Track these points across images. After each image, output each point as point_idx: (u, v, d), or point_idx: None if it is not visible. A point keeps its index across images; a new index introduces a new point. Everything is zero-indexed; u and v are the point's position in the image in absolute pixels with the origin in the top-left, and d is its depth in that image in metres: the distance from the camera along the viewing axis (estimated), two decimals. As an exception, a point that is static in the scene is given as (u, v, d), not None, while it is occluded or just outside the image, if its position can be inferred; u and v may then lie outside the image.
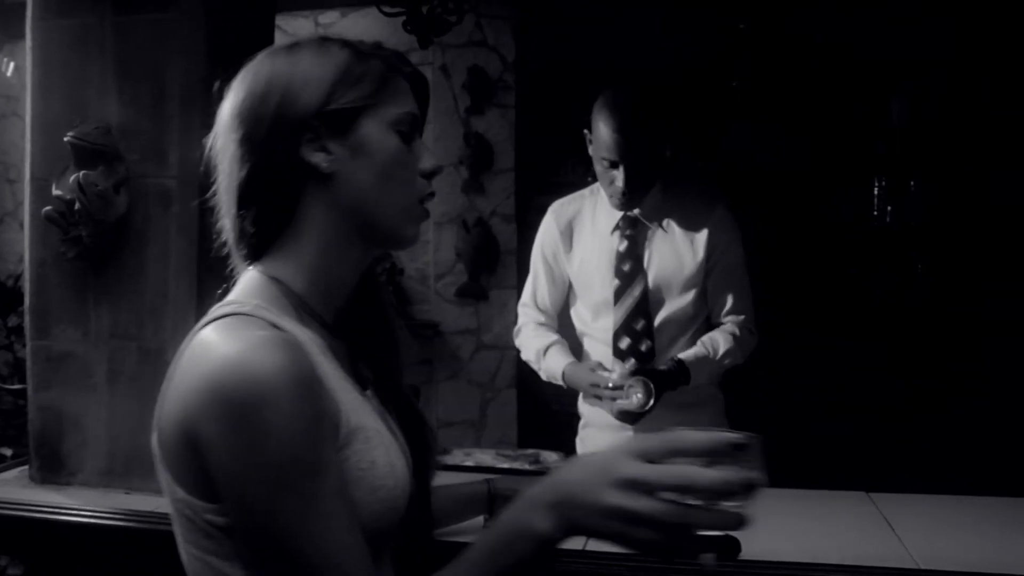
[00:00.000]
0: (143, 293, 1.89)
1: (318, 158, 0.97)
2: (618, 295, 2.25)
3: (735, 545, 1.48)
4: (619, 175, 2.14)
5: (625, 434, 2.21)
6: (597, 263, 2.30)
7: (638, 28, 4.01)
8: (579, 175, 4.03)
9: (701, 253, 2.24)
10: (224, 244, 1.05)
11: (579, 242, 2.35)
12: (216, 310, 0.95)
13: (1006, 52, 3.58)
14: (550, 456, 2.16)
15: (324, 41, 1.01)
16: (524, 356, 2.44)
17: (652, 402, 2.08)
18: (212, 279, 1.99)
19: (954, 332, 3.66)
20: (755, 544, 1.47)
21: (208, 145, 1.03)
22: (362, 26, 4.37)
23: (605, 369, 2.23)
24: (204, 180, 1.94)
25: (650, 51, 4.01)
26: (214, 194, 1.04)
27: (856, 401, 3.50)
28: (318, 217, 0.99)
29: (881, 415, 3.51)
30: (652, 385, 2.09)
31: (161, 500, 1.78)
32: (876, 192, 3.89)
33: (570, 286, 2.39)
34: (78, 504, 1.75)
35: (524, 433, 4.13)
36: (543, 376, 2.38)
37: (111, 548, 1.68)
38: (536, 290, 2.42)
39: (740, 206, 4.02)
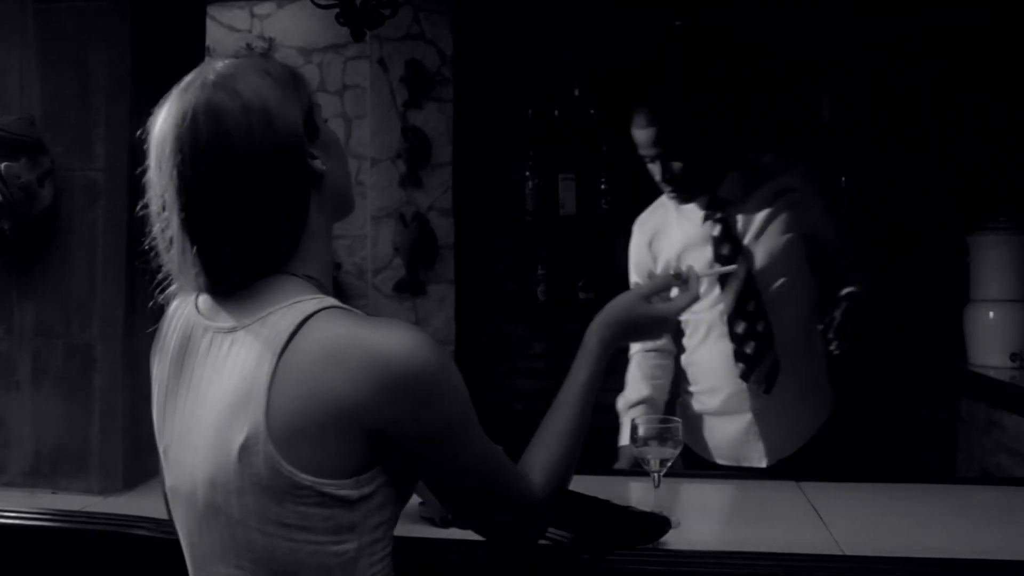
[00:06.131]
0: (69, 289, 1.84)
1: (316, 163, 1.07)
2: (723, 278, 2.21)
3: (665, 523, 1.52)
4: (656, 169, 2.21)
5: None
6: (696, 256, 2.25)
7: (576, 23, 4.03)
8: (516, 169, 4.05)
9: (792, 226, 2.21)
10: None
11: (669, 245, 2.33)
12: (301, 304, 1.00)
13: (934, 48, 3.69)
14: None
15: (261, 59, 1.12)
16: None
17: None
18: (141, 275, 1.95)
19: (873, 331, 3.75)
20: (688, 533, 1.51)
21: (166, 183, 1.03)
22: (298, 18, 4.32)
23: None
24: (133, 173, 1.90)
25: (587, 46, 4.03)
26: (163, 229, 1.05)
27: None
28: (320, 213, 1.10)
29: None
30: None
31: (89, 499, 1.75)
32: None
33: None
34: (2, 505, 1.71)
35: (463, 427, 4.13)
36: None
37: (38, 550, 1.64)
38: None
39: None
